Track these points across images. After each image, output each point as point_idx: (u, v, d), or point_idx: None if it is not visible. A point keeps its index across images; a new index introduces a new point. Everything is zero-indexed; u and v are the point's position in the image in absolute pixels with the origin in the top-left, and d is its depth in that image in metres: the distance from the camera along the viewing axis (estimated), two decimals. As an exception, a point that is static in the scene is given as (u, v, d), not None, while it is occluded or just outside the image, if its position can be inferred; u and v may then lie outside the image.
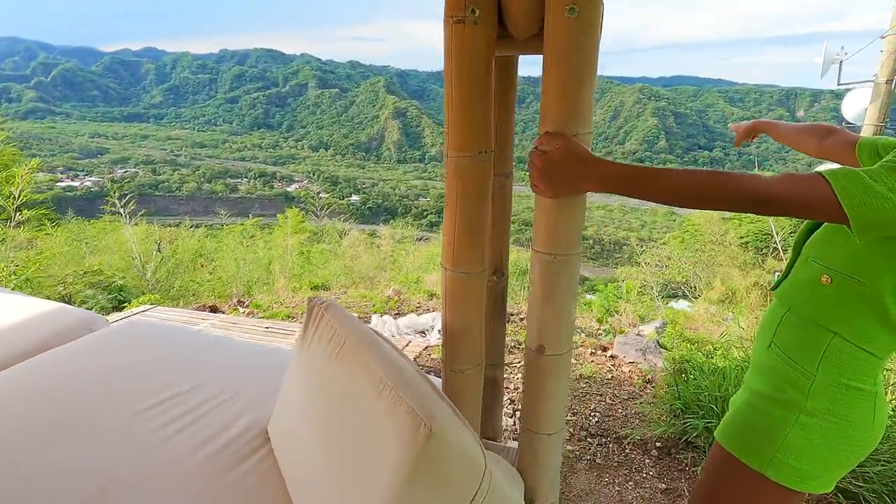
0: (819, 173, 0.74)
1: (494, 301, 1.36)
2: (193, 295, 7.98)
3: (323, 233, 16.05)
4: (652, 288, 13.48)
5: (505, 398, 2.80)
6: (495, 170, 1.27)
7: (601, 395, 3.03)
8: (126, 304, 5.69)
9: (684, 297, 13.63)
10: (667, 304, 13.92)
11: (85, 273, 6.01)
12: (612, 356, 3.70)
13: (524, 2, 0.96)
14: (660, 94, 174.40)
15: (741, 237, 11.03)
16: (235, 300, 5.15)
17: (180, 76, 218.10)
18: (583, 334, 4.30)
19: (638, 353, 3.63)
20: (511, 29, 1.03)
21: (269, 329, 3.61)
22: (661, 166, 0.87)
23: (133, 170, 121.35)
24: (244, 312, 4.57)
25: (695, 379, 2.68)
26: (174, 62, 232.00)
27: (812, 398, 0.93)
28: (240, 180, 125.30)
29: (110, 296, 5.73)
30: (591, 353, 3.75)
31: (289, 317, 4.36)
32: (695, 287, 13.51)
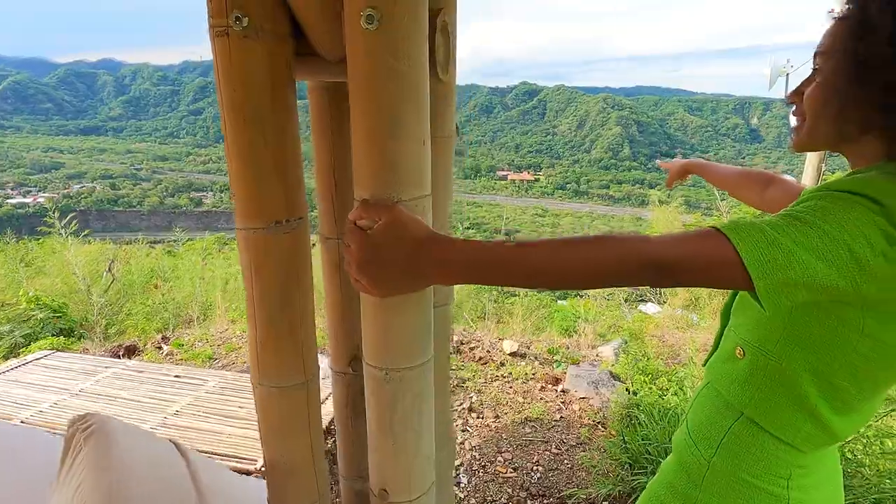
0: (716, 227, 0.58)
1: (354, 400, 1.04)
2: (132, 327, 7.38)
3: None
4: (618, 295, 13.51)
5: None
6: (334, 231, 0.95)
7: (547, 443, 2.74)
8: (62, 335, 5.13)
9: (652, 301, 13.75)
10: (636, 307, 14.01)
11: (15, 301, 5.43)
12: (563, 391, 3.44)
13: (311, 4, 0.65)
14: (622, 104, 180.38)
15: (701, 245, 11.14)
16: (160, 336, 4.67)
17: (140, 88, 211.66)
18: (536, 362, 4.04)
19: (590, 387, 3.39)
20: (314, 45, 0.72)
21: (179, 378, 3.18)
22: (531, 238, 0.57)
23: (90, 184, 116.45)
24: (165, 353, 4.11)
25: (643, 427, 2.42)
26: (134, 73, 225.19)
27: (705, 491, 0.77)
28: (205, 193, 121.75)
29: (42, 325, 5.18)
30: (542, 388, 3.48)
31: (210, 358, 3.93)
32: (660, 292, 13.61)
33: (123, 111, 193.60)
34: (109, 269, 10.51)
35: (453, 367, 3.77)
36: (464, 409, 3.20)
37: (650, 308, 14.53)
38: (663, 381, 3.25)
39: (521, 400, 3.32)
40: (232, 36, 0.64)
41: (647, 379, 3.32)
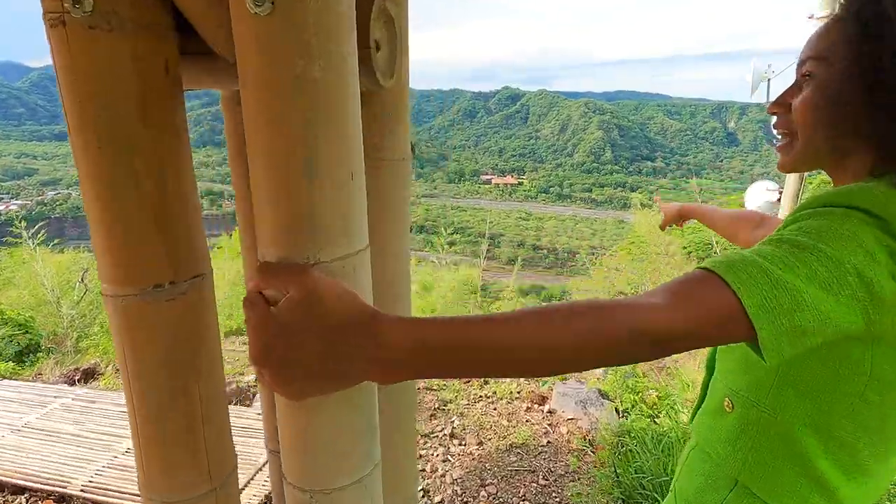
0: (709, 269, 0.49)
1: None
2: (96, 345, 7.04)
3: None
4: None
5: None
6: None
7: (533, 473, 2.56)
8: (19, 357, 4.79)
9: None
10: None
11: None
12: (550, 411, 3.27)
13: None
14: (604, 108, 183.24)
15: (684, 247, 11.15)
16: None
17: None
18: (521, 380, 3.88)
19: (578, 407, 3.23)
20: (208, 41, 0.52)
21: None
22: (497, 313, 0.39)
23: (66, 191, 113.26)
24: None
25: (636, 457, 2.25)
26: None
27: None
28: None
29: (2, 341, 4.85)
30: (527, 409, 3.31)
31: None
32: (641, 286, 13.66)
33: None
34: (82, 279, 10.07)
35: (434, 388, 3.58)
36: (445, 435, 3.01)
37: None
38: (653, 399, 3.11)
39: (505, 423, 3.14)
40: (71, 26, 0.44)
41: (636, 398, 3.18)
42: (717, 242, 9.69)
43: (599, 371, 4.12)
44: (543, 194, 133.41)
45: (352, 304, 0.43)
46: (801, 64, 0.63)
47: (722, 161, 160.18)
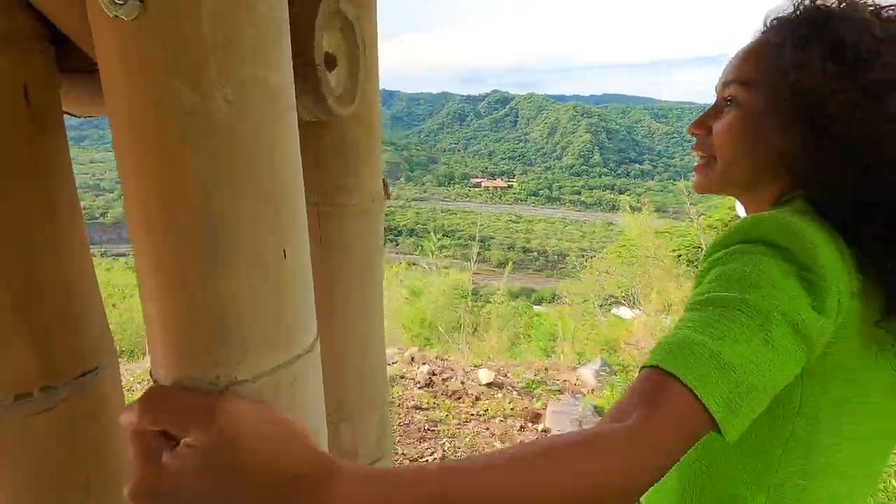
0: (655, 367, 0.46)
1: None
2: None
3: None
4: (593, 303, 13.48)
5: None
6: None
7: None
8: None
9: (624, 304, 13.81)
10: (610, 310, 14.04)
11: None
12: (544, 430, 3.16)
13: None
14: (592, 112, 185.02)
15: (673, 250, 11.17)
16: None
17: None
18: (514, 392, 3.75)
19: (574, 426, 3.12)
20: (87, 51, 0.38)
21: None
22: (478, 459, 0.26)
23: None
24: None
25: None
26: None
27: None
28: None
29: None
30: (521, 428, 3.19)
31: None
32: (634, 300, 13.67)
33: (84, 120, 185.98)
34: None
35: (424, 406, 3.43)
36: (436, 458, 2.89)
37: (624, 312, 14.69)
38: None
39: (498, 444, 3.02)
40: None
41: None
42: (706, 245, 9.73)
43: (593, 378, 4.06)
44: (533, 197, 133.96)
45: (291, 451, 0.29)
46: (724, 85, 0.62)
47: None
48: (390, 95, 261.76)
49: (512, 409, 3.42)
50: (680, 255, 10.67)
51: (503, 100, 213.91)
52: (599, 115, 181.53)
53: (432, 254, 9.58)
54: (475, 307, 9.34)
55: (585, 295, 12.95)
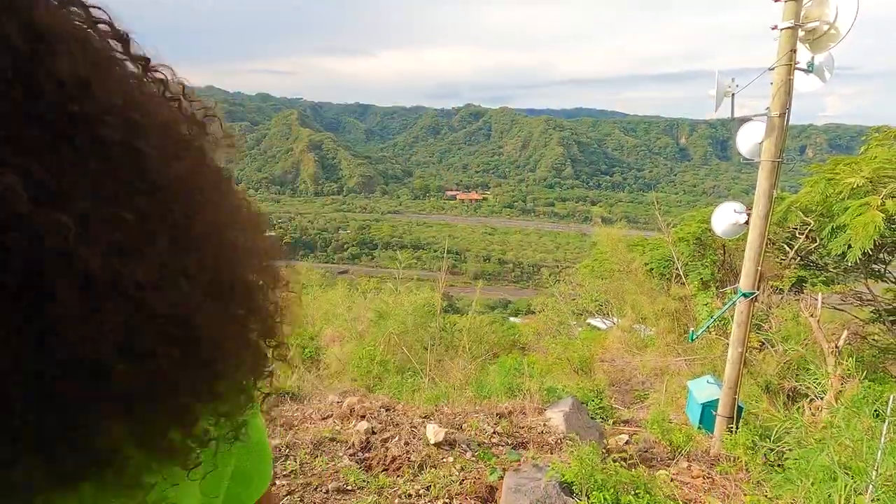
0: None
1: None
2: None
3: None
4: (567, 316, 13.52)
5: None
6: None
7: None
8: None
9: (596, 315, 13.88)
10: (584, 319, 14.08)
11: None
12: (497, 515, 2.67)
13: None
14: (563, 125, 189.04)
15: (646, 263, 11.25)
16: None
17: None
18: (468, 453, 3.12)
19: (534, 507, 2.62)
20: None
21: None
22: None
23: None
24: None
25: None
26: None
27: None
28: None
29: None
30: (468, 511, 2.69)
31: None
32: (607, 313, 13.76)
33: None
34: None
35: (349, 487, 2.73)
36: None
37: (598, 323, 14.74)
38: (628, 500, 2.58)
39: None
40: None
41: (608, 496, 2.58)
42: (677, 258, 9.82)
43: (563, 427, 3.49)
44: (507, 209, 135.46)
45: None
46: None
47: (675, 175, 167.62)
48: (364, 109, 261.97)
49: (462, 481, 2.84)
50: (652, 269, 10.76)
51: (476, 114, 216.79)
52: (571, 129, 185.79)
53: (399, 269, 9.35)
54: (447, 324, 9.16)
55: (559, 310, 12.99)
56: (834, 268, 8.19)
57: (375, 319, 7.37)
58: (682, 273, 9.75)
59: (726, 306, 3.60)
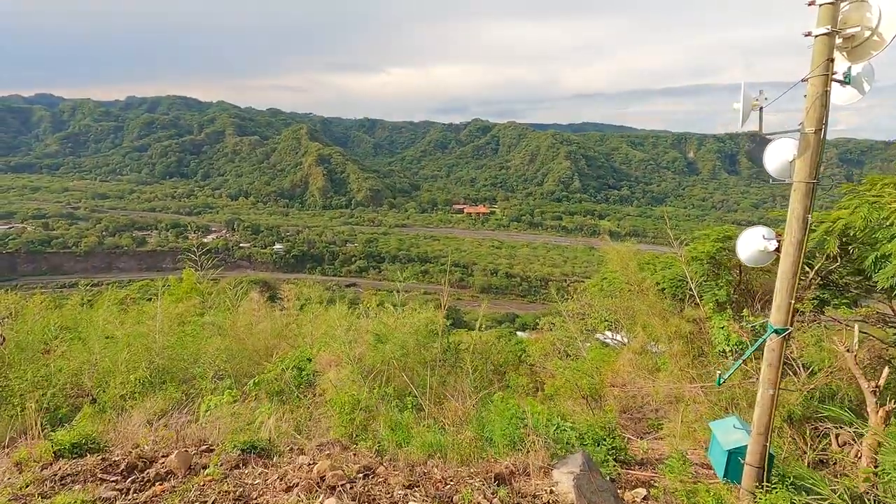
0: None
1: None
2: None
3: (219, 293, 13.99)
4: (576, 339, 13.05)
5: None
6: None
7: None
8: None
9: (610, 332, 13.41)
10: (593, 336, 13.61)
11: None
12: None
13: None
14: (570, 140, 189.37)
15: (658, 283, 10.77)
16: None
17: (81, 124, 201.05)
18: None
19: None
20: None
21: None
22: None
23: (20, 225, 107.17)
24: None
25: None
26: (73, 109, 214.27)
27: None
28: (149, 232, 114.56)
29: None
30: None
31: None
32: (616, 328, 13.28)
33: (61, 148, 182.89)
34: (-2, 329, 8.92)
35: None
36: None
37: (607, 339, 14.24)
38: None
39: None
40: None
41: None
42: (691, 279, 9.36)
43: (573, 495, 3.02)
44: (515, 223, 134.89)
45: None
46: None
47: (684, 189, 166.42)
48: (373, 124, 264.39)
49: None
50: (664, 289, 10.28)
51: (484, 128, 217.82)
52: (578, 143, 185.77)
53: (401, 285, 8.94)
54: (450, 344, 8.75)
55: (567, 328, 12.53)
56: (856, 288, 7.72)
57: (374, 343, 7.00)
58: (696, 294, 9.28)
59: (756, 344, 3.21)
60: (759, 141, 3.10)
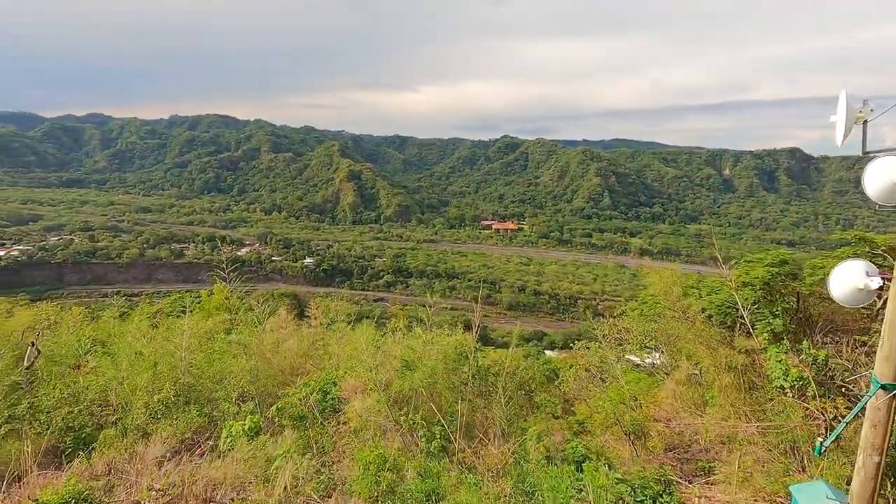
0: None
1: None
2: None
3: (247, 310, 13.96)
4: (613, 368, 12.33)
5: None
6: None
7: None
8: None
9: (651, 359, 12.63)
10: (624, 358, 12.87)
11: None
12: None
13: None
14: (601, 156, 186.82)
15: (703, 309, 10.04)
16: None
17: (127, 141, 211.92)
18: None
19: None
20: None
21: None
22: None
23: (68, 236, 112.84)
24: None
25: None
26: (121, 127, 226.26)
27: None
28: (186, 245, 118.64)
29: None
30: None
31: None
32: (651, 349, 12.52)
33: (108, 164, 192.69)
34: (34, 343, 9.00)
35: None
36: None
37: (638, 360, 13.40)
38: None
39: None
40: None
41: None
42: (743, 307, 8.67)
43: None
44: (544, 239, 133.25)
45: None
46: None
47: (720, 206, 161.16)
48: (403, 141, 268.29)
49: None
50: (711, 316, 9.55)
51: (513, 144, 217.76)
52: (609, 160, 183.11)
53: (430, 311, 8.59)
54: (479, 369, 8.29)
55: (604, 356, 11.87)
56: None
57: (401, 370, 6.65)
58: (747, 322, 8.56)
59: (859, 405, 2.67)
60: (861, 159, 2.63)
